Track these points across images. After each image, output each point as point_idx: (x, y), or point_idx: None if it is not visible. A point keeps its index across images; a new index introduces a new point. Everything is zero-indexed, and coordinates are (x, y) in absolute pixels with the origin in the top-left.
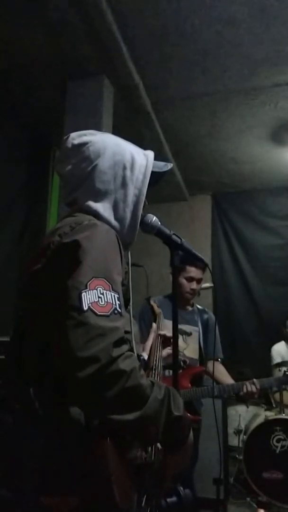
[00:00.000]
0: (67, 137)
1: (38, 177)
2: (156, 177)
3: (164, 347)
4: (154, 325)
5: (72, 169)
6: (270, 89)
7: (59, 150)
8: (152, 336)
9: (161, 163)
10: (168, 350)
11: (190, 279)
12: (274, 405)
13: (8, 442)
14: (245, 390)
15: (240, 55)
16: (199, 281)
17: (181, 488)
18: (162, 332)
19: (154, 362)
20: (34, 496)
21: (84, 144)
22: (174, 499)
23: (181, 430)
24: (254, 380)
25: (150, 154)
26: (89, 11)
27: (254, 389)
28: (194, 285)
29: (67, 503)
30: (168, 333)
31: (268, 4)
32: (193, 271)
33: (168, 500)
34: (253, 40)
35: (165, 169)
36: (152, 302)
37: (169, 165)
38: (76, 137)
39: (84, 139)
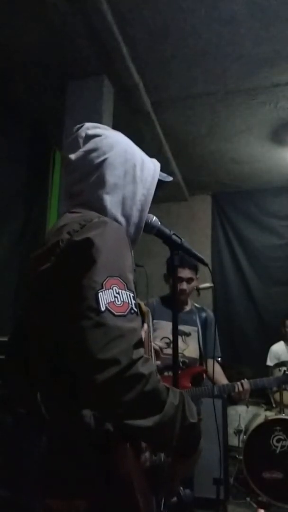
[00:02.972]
0: (82, 126)
1: (38, 177)
2: (158, 187)
3: (157, 358)
4: (145, 325)
5: (83, 157)
6: (270, 89)
7: (70, 137)
8: (143, 336)
9: (163, 174)
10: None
11: (179, 280)
12: (274, 405)
13: (8, 443)
14: (236, 390)
15: (240, 55)
16: (189, 280)
17: (181, 488)
18: (156, 346)
19: None
20: (37, 497)
21: (97, 135)
22: (174, 499)
23: (195, 437)
24: (245, 380)
25: (157, 162)
26: (89, 11)
27: (245, 389)
28: (184, 285)
29: (74, 506)
30: (159, 342)
31: (268, 4)
32: (180, 271)
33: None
34: (253, 40)
35: (167, 179)
36: (139, 301)
37: (170, 178)
38: (90, 128)
39: (98, 131)
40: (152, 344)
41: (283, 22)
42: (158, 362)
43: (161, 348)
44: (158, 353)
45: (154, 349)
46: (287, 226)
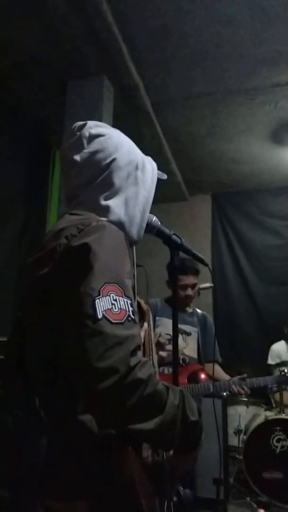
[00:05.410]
0: (84, 124)
1: (38, 177)
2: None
3: (157, 350)
4: (145, 324)
5: (89, 158)
6: (270, 89)
7: (70, 136)
8: (143, 335)
9: (159, 172)
10: (161, 353)
11: (184, 287)
12: (274, 405)
13: (8, 443)
14: (234, 389)
15: (240, 55)
16: (193, 286)
17: (181, 488)
18: (160, 340)
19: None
20: (38, 498)
21: (101, 135)
22: (174, 499)
23: (196, 434)
24: (243, 381)
25: (153, 161)
26: (89, 11)
27: (242, 389)
28: (189, 291)
29: (74, 507)
30: (161, 338)
31: (268, 4)
32: (184, 279)
33: None
34: (253, 40)
35: (163, 177)
36: (138, 299)
37: (165, 176)
38: (93, 126)
39: (101, 130)
40: (155, 339)
41: (283, 22)
42: (164, 354)
43: (163, 343)
44: (162, 345)
45: (157, 341)
46: (287, 226)
